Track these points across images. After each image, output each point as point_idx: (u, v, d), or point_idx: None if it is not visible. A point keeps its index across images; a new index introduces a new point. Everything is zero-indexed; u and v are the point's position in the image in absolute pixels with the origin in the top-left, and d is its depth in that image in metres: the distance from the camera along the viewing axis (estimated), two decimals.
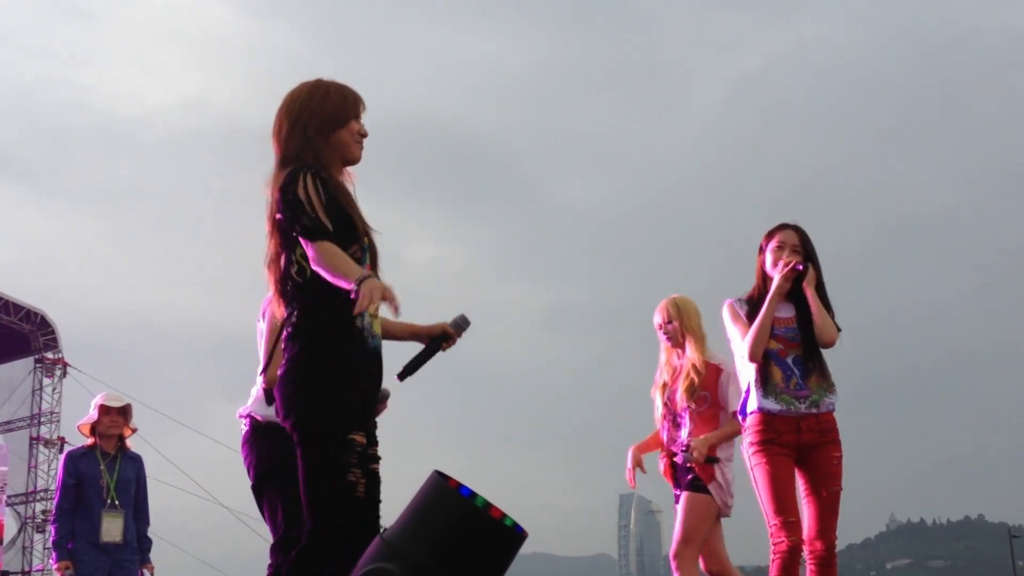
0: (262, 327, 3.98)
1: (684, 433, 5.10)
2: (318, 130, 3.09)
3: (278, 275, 3.04)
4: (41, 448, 20.92)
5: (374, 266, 3.09)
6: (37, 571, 19.92)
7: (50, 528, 6.19)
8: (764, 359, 4.44)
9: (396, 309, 2.79)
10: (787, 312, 4.57)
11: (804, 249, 4.54)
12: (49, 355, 21.17)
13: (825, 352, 4.57)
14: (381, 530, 2.99)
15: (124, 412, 6.00)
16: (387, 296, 2.76)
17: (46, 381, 21.22)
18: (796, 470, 4.44)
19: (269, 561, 3.98)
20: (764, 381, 4.44)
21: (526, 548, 3.30)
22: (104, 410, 5.92)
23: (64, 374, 21.20)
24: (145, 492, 6.16)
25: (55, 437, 20.89)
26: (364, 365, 3.01)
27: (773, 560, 4.32)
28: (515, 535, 2.93)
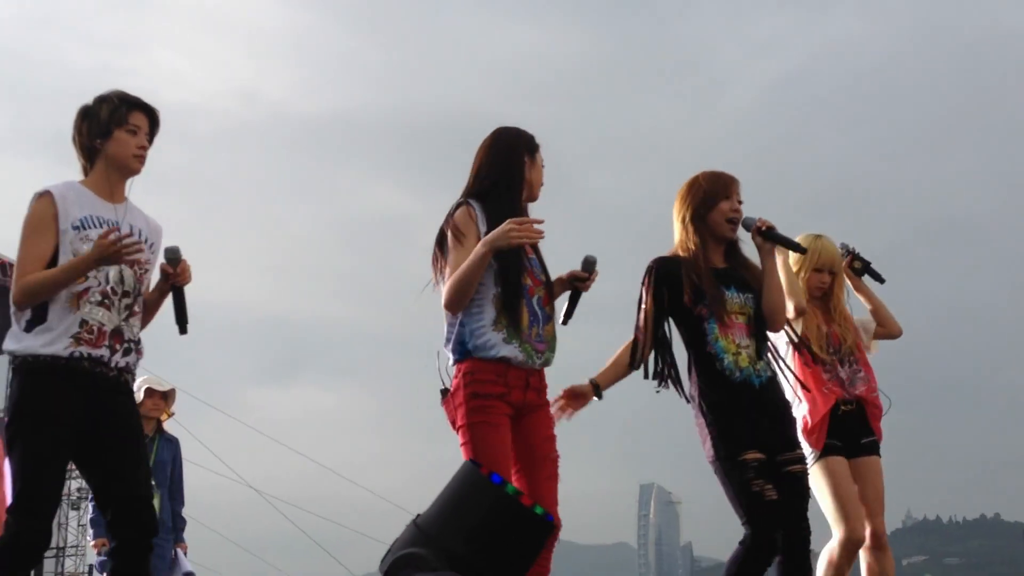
0: None
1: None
2: (692, 215, 3.83)
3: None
4: None
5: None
6: (71, 548, 20.20)
7: (88, 505, 6.26)
8: (514, 296, 3.39)
9: None
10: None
11: None
12: None
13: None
14: (415, 516, 3.13)
15: (167, 396, 6.16)
16: None
17: None
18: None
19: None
20: (513, 321, 3.39)
21: None
22: (149, 392, 6.06)
23: None
24: (181, 473, 6.28)
25: None
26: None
27: None
28: (546, 523, 3.05)
